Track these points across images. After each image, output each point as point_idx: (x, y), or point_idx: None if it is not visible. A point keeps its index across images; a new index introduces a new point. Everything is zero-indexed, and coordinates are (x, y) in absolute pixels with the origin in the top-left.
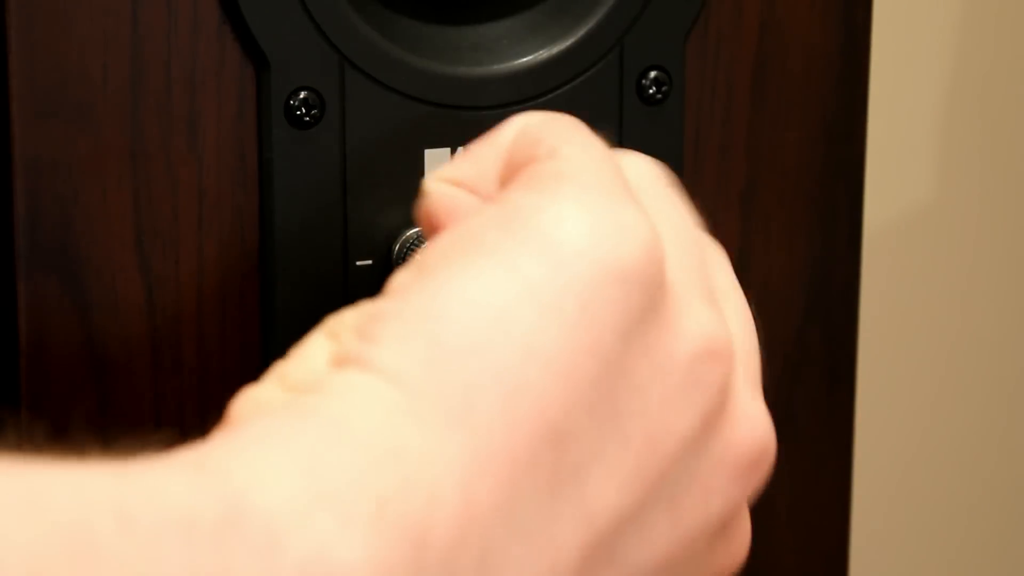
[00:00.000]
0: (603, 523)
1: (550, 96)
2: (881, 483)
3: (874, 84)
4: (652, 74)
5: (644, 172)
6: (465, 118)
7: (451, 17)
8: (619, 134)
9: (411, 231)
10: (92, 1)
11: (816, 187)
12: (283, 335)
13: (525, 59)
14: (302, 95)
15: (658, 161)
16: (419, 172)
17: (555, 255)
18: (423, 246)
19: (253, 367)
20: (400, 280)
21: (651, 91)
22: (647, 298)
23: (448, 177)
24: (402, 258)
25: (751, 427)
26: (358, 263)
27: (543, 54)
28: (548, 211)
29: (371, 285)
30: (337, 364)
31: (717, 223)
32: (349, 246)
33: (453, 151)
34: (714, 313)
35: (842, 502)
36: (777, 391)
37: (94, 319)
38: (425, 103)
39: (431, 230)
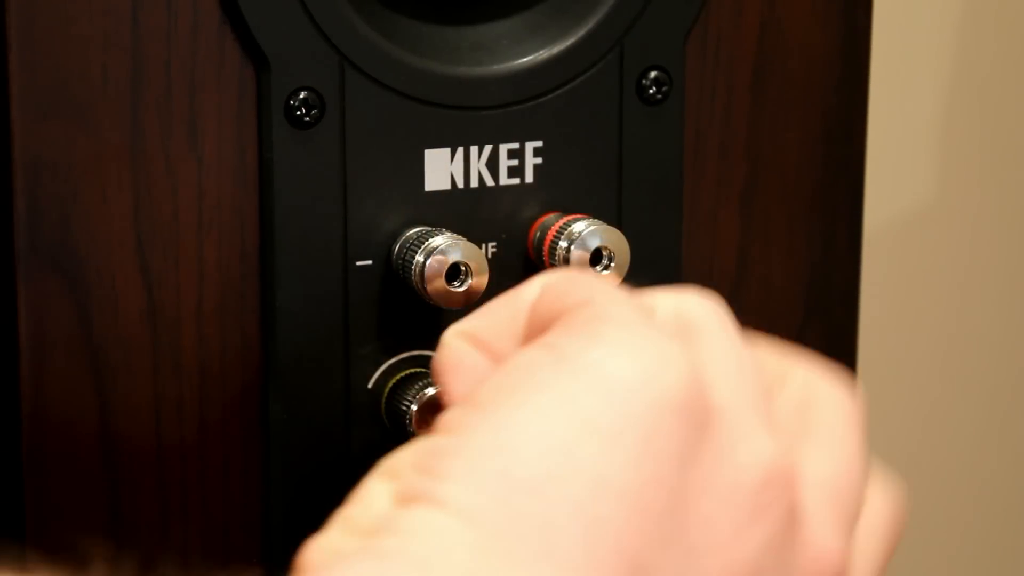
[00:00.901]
0: None
1: (550, 96)
2: None
3: (874, 84)
4: (652, 74)
5: (703, 309)
6: (465, 118)
7: (451, 17)
8: (619, 134)
9: (411, 231)
10: (92, 1)
11: (816, 187)
12: (283, 335)
13: (525, 59)
14: (302, 95)
15: (717, 299)
16: (419, 172)
17: (609, 390)
18: (430, 384)
19: (253, 367)
20: (453, 416)
21: (651, 91)
22: (698, 427)
23: (465, 331)
24: (402, 258)
25: (817, 557)
26: (358, 263)
27: (543, 54)
28: (596, 350)
29: (371, 285)
30: (403, 502)
31: (717, 223)
32: (349, 246)
33: (453, 151)
34: (772, 438)
35: None
36: None
37: (94, 319)
38: (425, 103)
39: (439, 383)
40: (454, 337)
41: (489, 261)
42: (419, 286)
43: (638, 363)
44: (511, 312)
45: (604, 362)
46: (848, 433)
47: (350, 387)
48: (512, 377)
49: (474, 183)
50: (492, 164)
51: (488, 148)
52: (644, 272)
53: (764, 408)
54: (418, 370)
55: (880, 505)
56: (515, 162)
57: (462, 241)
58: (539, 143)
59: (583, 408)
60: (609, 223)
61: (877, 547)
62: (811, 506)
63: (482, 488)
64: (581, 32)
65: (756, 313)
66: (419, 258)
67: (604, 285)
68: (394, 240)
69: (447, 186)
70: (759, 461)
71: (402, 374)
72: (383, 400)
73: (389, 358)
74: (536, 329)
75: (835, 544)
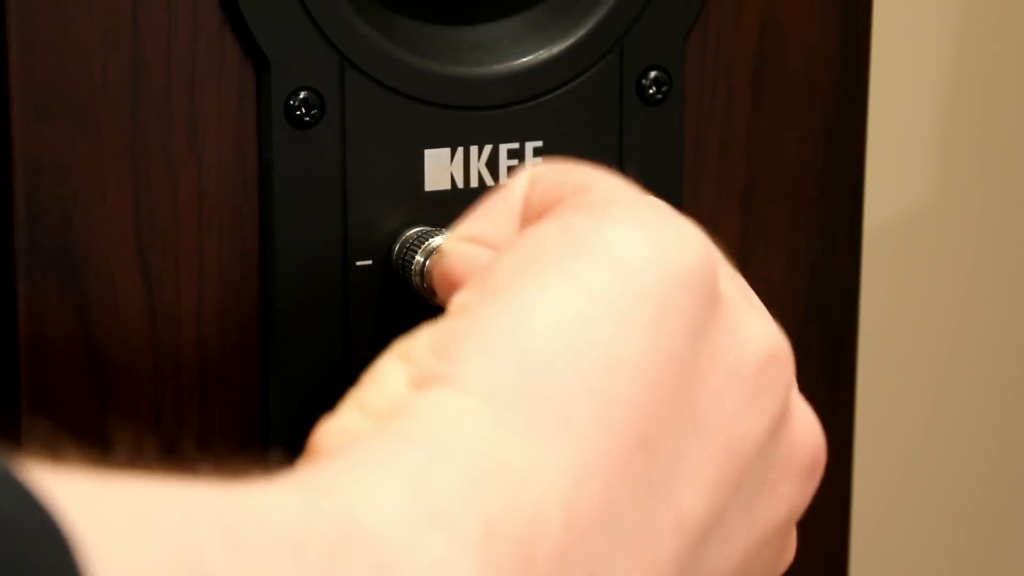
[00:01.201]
0: (693, 530)
1: (550, 96)
2: (881, 483)
3: (874, 84)
4: (652, 74)
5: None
6: (465, 118)
7: (451, 17)
8: (619, 134)
9: (411, 231)
10: (92, 1)
11: (816, 187)
12: (283, 335)
13: (525, 59)
14: (302, 95)
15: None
16: (419, 172)
17: (623, 267)
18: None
19: (253, 367)
20: (465, 298)
21: (651, 91)
22: (709, 304)
23: (466, 235)
24: (402, 258)
25: (809, 429)
26: (358, 263)
27: (543, 54)
28: (608, 228)
29: (371, 285)
30: (419, 386)
31: (717, 223)
32: (349, 246)
33: (453, 151)
34: (768, 321)
35: (842, 502)
36: None
37: (94, 319)
38: (425, 103)
39: (450, 289)
40: (456, 242)
41: None
42: (419, 286)
43: (653, 241)
44: (507, 209)
45: (618, 241)
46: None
47: (350, 387)
48: (523, 256)
49: (474, 183)
50: (492, 164)
51: (488, 148)
52: None
53: (750, 292)
54: None
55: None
56: (515, 162)
57: None
58: (539, 143)
59: (598, 285)
60: None
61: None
62: (794, 386)
63: (498, 367)
64: (581, 32)
65: None
66: (419, 258)
67: (599, 171)
68: (394, 240)
69: (447, 186)
70: (763, 341)
71: None
72: None
73: None
74: (531, 221)
75: (816, 421)
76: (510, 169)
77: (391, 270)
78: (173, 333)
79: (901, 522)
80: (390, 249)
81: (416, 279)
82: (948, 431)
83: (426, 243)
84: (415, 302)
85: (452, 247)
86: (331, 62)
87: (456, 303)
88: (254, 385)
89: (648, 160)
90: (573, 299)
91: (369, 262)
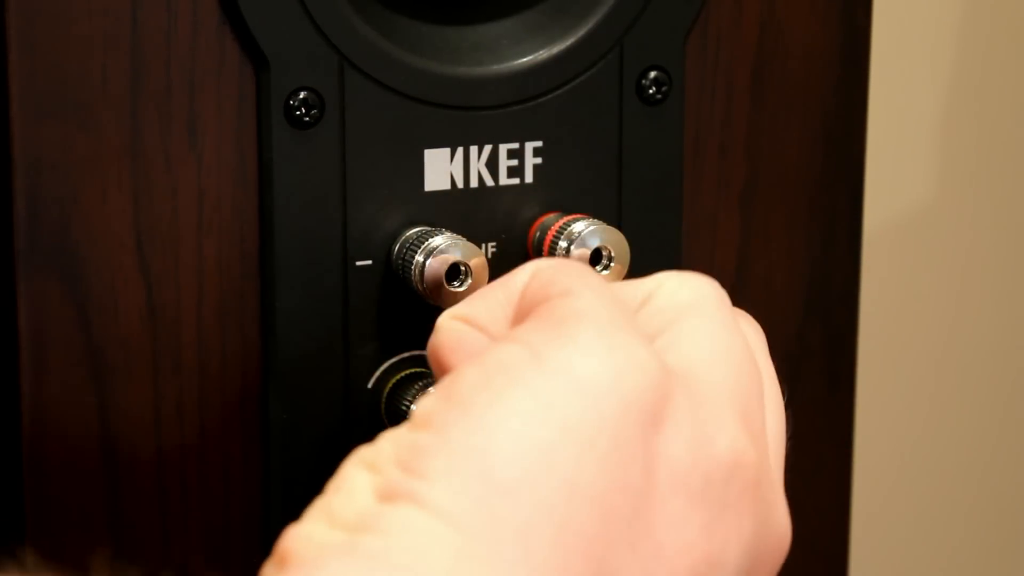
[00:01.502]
0: None
1: (550, 96)
2: (881, 483)
3: (874, 84)
4: (652, 74)
5: (701, 292)
6: (465, 118)
7: (451, 17)
8: (619, 134)
9: (411, 231)
10: (92, 1)
11: (816, 187)
12: (283, 335)
13: (525, 59)
14: (302, 95)
15: (714, 281)
16: (419, 172)
17: (583, 393)
18: (430, 385)
19: (253, 367)
20: (429, 408)
21: (651, 91)
22: (663, 426)
23: (460, 315)
24: (402, 258)
25: (776, 531)
26: (358, 263)
27: (543, 54)
28: (574, 350)
29: (371, 285)
30: (386, 499)
31: (717, 223)
32: (349, 246)
33: (453, 151)
34: (730, 425)
35: (842, 502)
36: None
37: (94, 319)
38: (425, 103)
39: (437, 365)
40: (450, 320)
41: (489, 261)
42: (419, 286)
43: (608, 364)
44: (504, 296)
45: (582, 365)
46: (774, 384)
47: (350, 387)
48: (487, 373)
49: (474, 183)
50: (492, 164)
51: (488, 148)
52: (644, 272)
53: (743, 400)
54: (418, 370)
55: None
56: (515, 162)
57: (462, 241)
58: (539, 143)
59: (559, 410)
60: (609, 223)
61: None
62: (773, 488)
63: (463, 490)
64: (581, 32)
65: (756, 313)
66: (419, 258)
67: (590, 276)
68: (394, 240)
69: (447, 186)
70: (726, 456)
71: (402, 374)
72: (383, 400)
73: (389, 358)
74: (524, 315)
75: (786, 520)
76: (510, 169)
77: (391, 270)
78: (173, 333)
79: (901, 522)
80: (390, 249)
81: (416, 279)
82: (948, 431)
83: (426, 243)
84: (415, 302)
85: (445, 324)
86: (331, 62)
87: (421, 411)
88: (254, 385)
89: (648, 160)
90: (535, 423)
91: (369, 262)
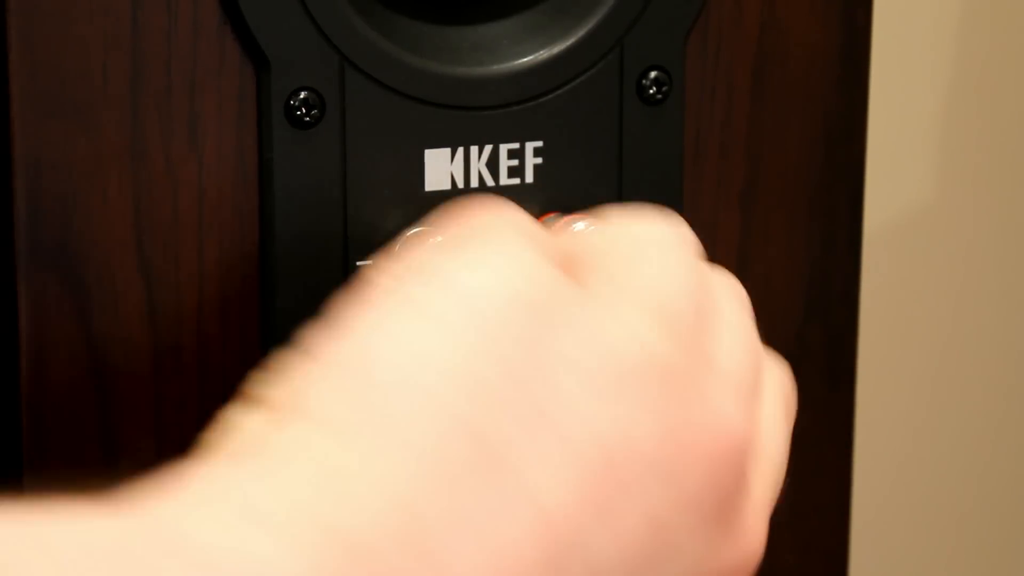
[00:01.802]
0: (559, 519)
1: (550, 96)
2: (881, 483)
3: (874, 84)
4: (652, 74)
5: (665, 230)
6: (465, 118)
7: (451, 17)
8: (619, 134)
9: (411, 231)
10: (92, 1)
11: (816, 187)
12: (283, 335)
13: (525, 59)
14: (302, 95)
15: (735, 281)
16: (419, 172)
17: (465, 295)
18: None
19: (253, 367)
20: (313, 342)
21: (651, 91)
22: (546, 316)
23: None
24: None
25: (718, 430)
26: (358, 263)
27: (543, 54)
28: (460, 263)
29: None
30: (274, 424)
31: (717, 223)
32: (349, 246)
33: (453, 151)
34: (661, 331)
35: (842, 502)
36: None
37: (94, 319)
38: (425, 103)
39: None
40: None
41: None
42: None
43: (490, 269)
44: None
45: (460, 273)
46: (744, 317)
47: None
48: (377, 295)
49: (474, 183)
50: (492, 164)
51: (488, 148)
52: None
53: (682, 305)
54: None
55: (777, 373)
56: (515, 162)
57: None
58: (539, 143)
59: (436, 312)
60: None
61: (781, 413)
62: (712, 385)
63: (342, 399)
64: (581, 32)
65: (756, 313)
66: None
67: (501, 204)
68: (394, 240)
69: (447, 186)
70: (631, 347)
71: None
72: None
73: None
74: None
75: (735, 416)
76: (510, 169)
77: None
78: (173, 333)
79: (901, 522)
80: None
81: None
82: (948, 431)
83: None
84: None
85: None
86: (331, 62)
87: (312, 346)
88: None
89: (648, 160)
90: (415, 329)
91: (369, 262)
